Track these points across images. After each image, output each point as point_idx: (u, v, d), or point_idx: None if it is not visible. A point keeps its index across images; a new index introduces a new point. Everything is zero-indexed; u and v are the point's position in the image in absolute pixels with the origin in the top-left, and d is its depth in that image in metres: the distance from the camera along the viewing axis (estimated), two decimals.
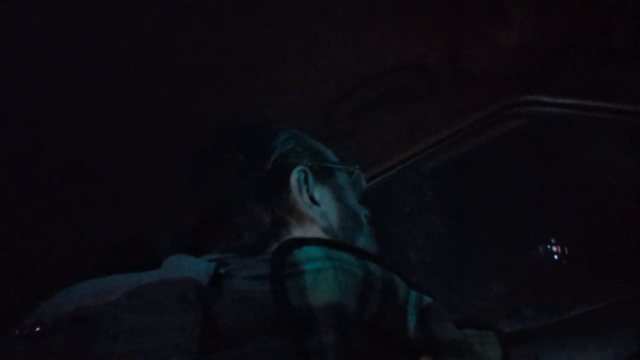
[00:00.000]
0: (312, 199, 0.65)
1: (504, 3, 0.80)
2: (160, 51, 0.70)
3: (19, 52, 0.64)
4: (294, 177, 0.64)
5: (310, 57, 0.81)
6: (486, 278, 1.42)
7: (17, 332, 0.43)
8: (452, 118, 0.97)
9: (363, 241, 0.68)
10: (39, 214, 0.82)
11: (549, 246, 1.38)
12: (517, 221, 1.39)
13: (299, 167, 0.65)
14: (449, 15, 0.82)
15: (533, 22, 0.83)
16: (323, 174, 0.68)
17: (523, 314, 1.38)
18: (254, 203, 0.62)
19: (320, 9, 0.74)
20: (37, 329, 0.42)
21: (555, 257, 1.38)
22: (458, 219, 1.40)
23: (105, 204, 0.86)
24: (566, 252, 1.37)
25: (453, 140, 0.99)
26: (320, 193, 0.67)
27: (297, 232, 0.62)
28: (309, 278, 0.44)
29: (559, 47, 0.86)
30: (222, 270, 0.47)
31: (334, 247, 0.48)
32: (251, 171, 0.64)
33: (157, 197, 0.85)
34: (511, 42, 0.85)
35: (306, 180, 0.65)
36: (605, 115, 0.92)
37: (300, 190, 0.63)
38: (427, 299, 0.55)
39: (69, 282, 0.49)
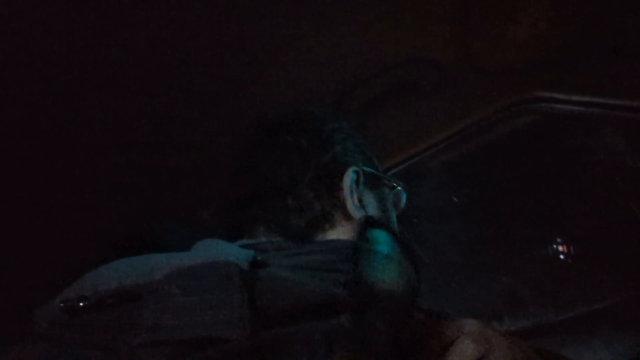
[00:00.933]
0: (359, 201, 0.65)
1: None
2: (160, 48, 0.69)
3: (19, 50, 0.63)
4: (348, 175, 0.64)
5: (316, 51, 0.80)
6: (490, 275, 1.42)
7: (61, 304, 0.43)
8: (461, 114, 0.97)
9: None
10: (35, 214, 0.81)
11: (555, 245, 1.38)
12: (523, 219, 1.39)
13: (353, 167, 0.65)
14: (459, 9, 0.81)
15: (545, 16, 0.82)
16: (372, 181, 0.68)
17: (528, 311, 1.38)
18: (308, 189, 0.62)
19: (326, 1, 0.72)
20: (82, 303, 0.43)
21: (561, 256, 1.38)
22: (465, 216, 1.40)
23: (105, 202, 0.85)
24: (572, 251, 1.37)
25: (462, 136, 0.98)
26: (368, 199, 0.67)
27: (340, 230, 0.62)
28: (380, 259, 0.49)
29: (571, 42, 0.85)
30: (259, 257, 0.49)
31: (399, 243, 0.54)
32: (312, 158, 0.64)
33: (158, 194, 0.84)
34: (523, 36, 0.84)
35: (357, 182, 0.65)
36: (616, 113, 0.91)
37: (351, 190, 0.63)
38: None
39: (72, 279, 0.48)
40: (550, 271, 1.40)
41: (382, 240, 0.51)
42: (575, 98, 0.89)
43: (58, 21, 0.61)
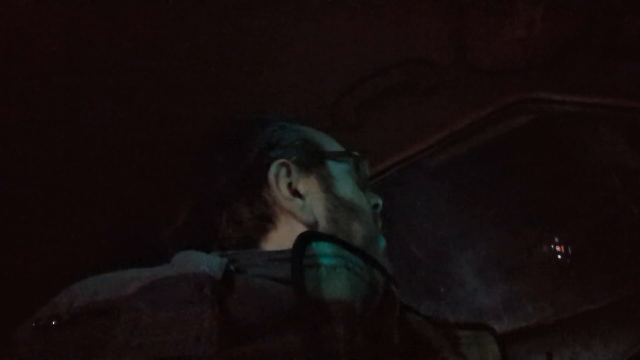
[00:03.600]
0: (296, 192, 0.65)
1: None
2: (159, 49, 0.69)
3: (18, 50, 0.63)
4: (272, 171, 0.64)
5: (312, 52, 0.80)
6: (489, 275, 1.42)
7: (32, 324, 0.43)
8: (459, 113, 0.97)
9: (362, 231, 0.66)
10: (35, 214, 0.81)
11: (553, 245, 1.38)
12: (522, 219, 1.39)
13: (278, 161, 0.65)
14: (457, 9, 0.81)
15: (543, 16, 0.82)
16: (312, 164, 0.67)
17: (527, 311, 1.38)
18: (234, 200, 0.63)
19: (322, 2, 0.72)
20: (54, 321, 0.42)
21: (560, 256, 1.38)
22: (462, 216, 1.40)
23: (104, 201, 0.85)
24: (569, 251, 1.37)
25: (460, 136, 0.98)
26: (306, 185, 0.66)
27: (283, 227, 0.63)
28: (325, 272, 0.46)
29: (568, 43, 0.85)
30: (232, 267, 0.48)
31: (347, 249, 0.51)
32: (230, 170, 0.65)
33: (157, 194, 0.84)
34: (520, 36, 0.84)
35: (289, 174, 0.65)
36: (612, 113, 0.91)
37: (277, 184, 0.63)
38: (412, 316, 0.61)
39: (72, 279, 0.48)
40: (549, 271, 1.40)
41: (325, 251, 0.48)
42: (573, 98, 0.89)
43: (58, 21, 0.61)
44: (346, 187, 0.69)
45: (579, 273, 1.37)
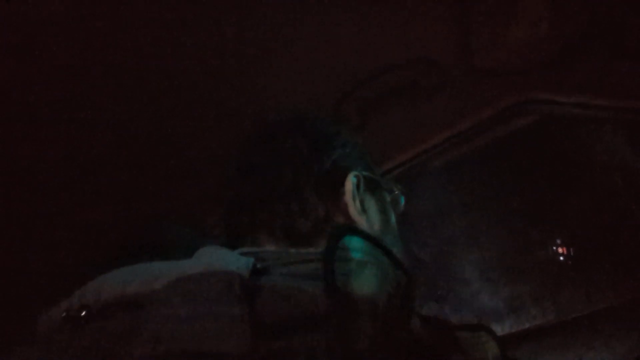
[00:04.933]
0: (361, 205, 0.65)
1: None
2: (161, 50, 0.69)
3: (21, 49, 0.63)
4: (350, 180, 0.63)
5: (316, 52, 0.80)
6: (492, 277, 1.42)
7: (63, 314, 0.43)
8: (461, 114, 0.97)
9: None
10: (35, 214, 0.81)
11: (555, 246, 1.38)
12: (524, 220, 1.39)
13: (355, 172, 0.65)
14: (459, 9, 0.80)
15: (546, 17, 0.81)
16: (372, 185, 0.68)
17: (529, 312, 1.38)
18: (310, 193, 0.62)
19: (323, 2, 0.72)
20: (83, 312, 0.42)
21: (562, 257, 1.38)
22: (465, 217, 1.39)
23: (105, 200, 0.85)
24: (572, 252, 1.36)
25: (462, 137, 0.98)
26: (369, 203, 0.66)
27: None
28: (355, 267, 0.47)
29: (572, 43, 0.85)
30: (259, 266, 0.48)
31: (378, 247, 0.52)
32: (314, 163, 0.64)
33: (158, 193, 0.84)
34: (523, 37, 0.84)
35: (359, 187, 0.65)
36: (615, 115, 0.91)
37: (353, 194, 0.63)
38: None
39: (72, 279, 0.48)
40: (551, 272, 1.40)
41: (356, 246, 0.50)
42: (575, 99, 0.89)
43: (61, 21, 0.61)
44: (392, 216, 0.70)
45: (580, 274, 1.37)
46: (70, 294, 0.46)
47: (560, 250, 1.38)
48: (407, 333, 0.51)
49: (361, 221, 0.62)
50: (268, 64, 0.78)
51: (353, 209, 0.62)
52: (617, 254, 1.31)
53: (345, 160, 0.66)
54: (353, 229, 0.52)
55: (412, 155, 1.02)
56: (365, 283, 0.46)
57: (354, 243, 0.50)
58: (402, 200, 0.75)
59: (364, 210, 0.64)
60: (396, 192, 0.73)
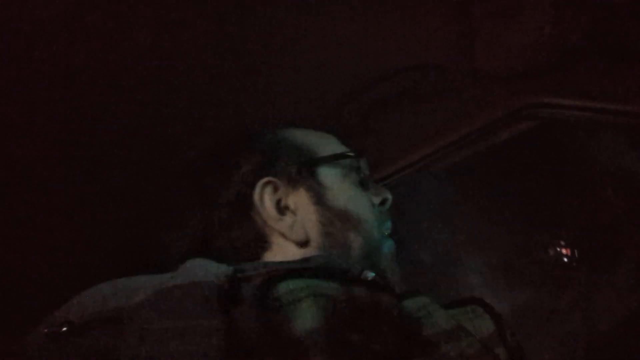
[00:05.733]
0: (286, 208, 0.64)
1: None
2: (159, 50, 0.69)
3: (19, 51, 0.62)
4: (256, 192, 0.64)
5: (316, 54, 0.79)
6: (496, 281, 1.42)
7: (45, 330, 0.43)
8: (463, 118, 0.96)
9: (360, 240, 0.65)
10: (40, 216, 0.81)
11: (556, 247, 1.38)
12: (525, 222, 1.39)
13: (262, 180, 0.65)
14: (461, 12, 0.80)
15: (548, 20, 0.81)
16: (301, 177, 0.67)
17: (531, 314, 1.38)
18: (229, 226, 0.64)
19: (325, 4, 0.72)
20: (65, 328, 0.42)
21: (563, 258, 1.38)
22: (467, 219, 1.39)
23: (111, 206, 0.85)
24: (576, 254, 1.37)
25: (464, 141, 0.98)
26: (296, 199, 0.65)
27: (276, 247, 0.63)
28: (290, 309, 0.45)
29: (574, 47, 0.85)
30: (239, 274, 0.48)
31: (316, 277, 0.50)
32: (223, 194, 0.66)
33: (160, 196, 0.84)
34: (525, 40, 0.83)
35: (275, 190, 0.64)
36: (618, 119, 0.90)
37: (263, 204, 0.63)
38: (419, 300, 0.58)
39: (73, 281, 0.48)
40: (552, 273, 1.40)
41: (290, 288, 0.48)
42: (577, 103, 0.89)
43: (58, 22, 0.61)
44: (340, 195, 0.67)
45: (580, 275, 1.37)
46: (65, 302, 0.46)
47: (561, 251, 1.39)
48: (383, 343, 0.49)
49: (283, 227, 0.62)
50: (269, 65, 0.78)
51: (268, 219, 0.62)
52: (617, 254, 1.31)
53: (258, 170, 0.66)
54: (275, 277, 0.50)
55: (416, 159, 1.02)
56: (305, 319, 0.44)
57: (286, 286, 0.48)
58: (363, 162, 0.72)
59: (287, 208, 0.64)
60: (348, 157, 0.70)
